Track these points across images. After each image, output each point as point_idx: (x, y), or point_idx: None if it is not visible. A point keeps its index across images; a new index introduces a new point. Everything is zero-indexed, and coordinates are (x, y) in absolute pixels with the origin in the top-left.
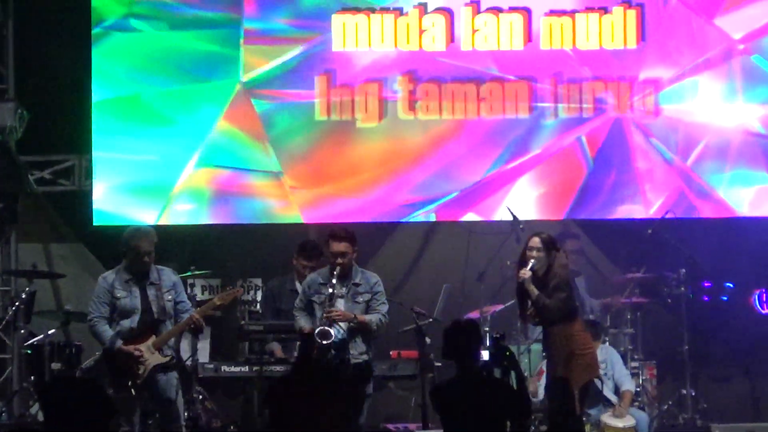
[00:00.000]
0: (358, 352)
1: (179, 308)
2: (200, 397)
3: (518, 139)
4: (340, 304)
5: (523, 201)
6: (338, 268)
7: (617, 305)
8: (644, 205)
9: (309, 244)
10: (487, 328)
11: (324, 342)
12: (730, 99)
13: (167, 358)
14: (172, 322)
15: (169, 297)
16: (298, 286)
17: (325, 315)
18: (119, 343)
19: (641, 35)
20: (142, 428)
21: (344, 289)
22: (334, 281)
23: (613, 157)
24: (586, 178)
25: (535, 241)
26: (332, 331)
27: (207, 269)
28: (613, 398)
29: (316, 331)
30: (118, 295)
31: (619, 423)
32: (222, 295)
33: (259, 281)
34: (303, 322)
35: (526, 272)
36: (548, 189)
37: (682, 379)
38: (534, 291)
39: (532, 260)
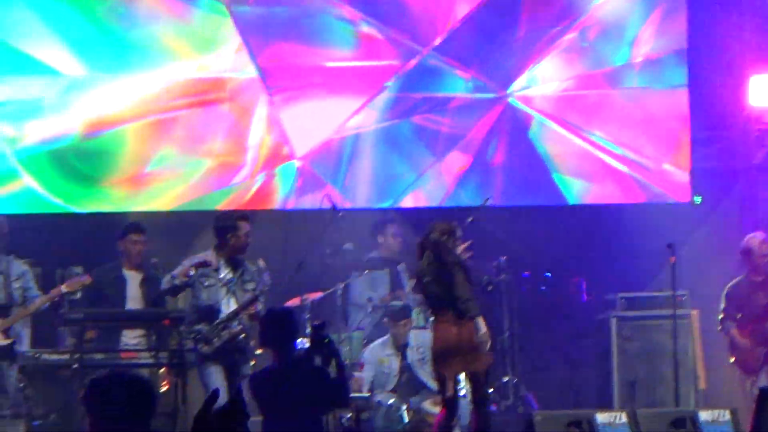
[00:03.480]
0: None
1: (26, 296)
2: (21, 384)
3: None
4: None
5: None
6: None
7: None
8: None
9: (136, 222)
10: (307, 316)
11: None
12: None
13: (9, 341)
14: (18, 310)
15: (17, 285)
16: (125, 273)
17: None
18: None
19: None
20: None
21: (234, 276)
22: (226, 272)
23: None
24: None
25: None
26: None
27: (27, 258)
28: (432, 384)
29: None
30: None
31: (439, 410)
32: (70, 282)
33: (80, 269)
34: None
35: None
36: None
37: (504, 366)
38: None
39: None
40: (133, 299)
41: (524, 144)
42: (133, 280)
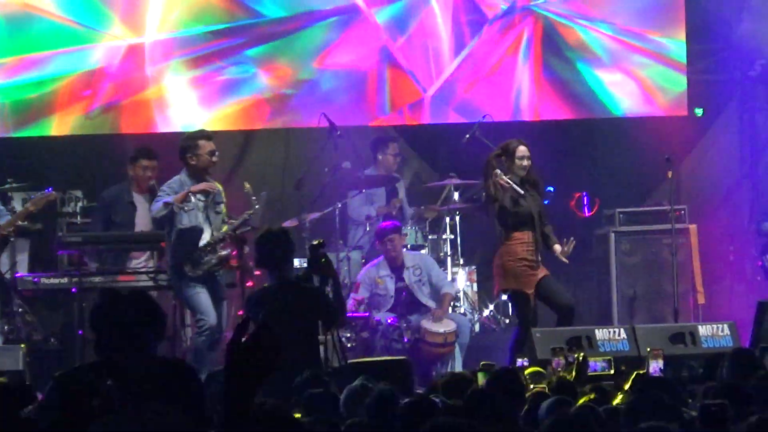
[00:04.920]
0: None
1: None
2: (20, 309)
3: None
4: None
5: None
6: (208, 172)
7: (432, 215)
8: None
9: (147, 146)
10: (305, 235)
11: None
12: None
13: None
14: None
15: None
16: (136, 197)
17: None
18: None
19: None
20: None
21: (204, 197)
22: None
23: None
24: None
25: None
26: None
27: (26, 181)
28: (430, 304)
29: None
30: None
31: (439, 328)
32: (34, 200)
33: (79, 193)
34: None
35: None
36: None
37: None
38: None
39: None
40: (141, 224)
41: (549, 53)
42: (141, 204)
